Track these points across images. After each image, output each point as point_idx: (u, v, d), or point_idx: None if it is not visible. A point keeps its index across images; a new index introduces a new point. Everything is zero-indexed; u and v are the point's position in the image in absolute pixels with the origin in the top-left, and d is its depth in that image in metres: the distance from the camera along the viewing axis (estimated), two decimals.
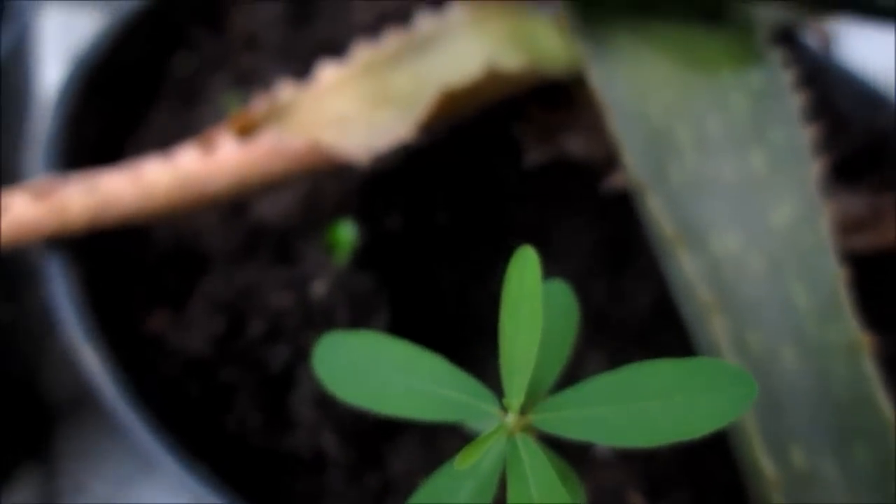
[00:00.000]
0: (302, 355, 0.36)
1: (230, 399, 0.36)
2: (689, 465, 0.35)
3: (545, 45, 0.39)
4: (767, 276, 0.31)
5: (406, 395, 0.22)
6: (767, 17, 0.41)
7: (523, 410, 0.21)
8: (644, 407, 0.20)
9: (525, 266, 0.21)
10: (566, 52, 0.39)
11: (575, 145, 0.41)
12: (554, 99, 0.42)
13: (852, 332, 0.30)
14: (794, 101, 0.35)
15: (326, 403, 0.34)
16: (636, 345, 0.39)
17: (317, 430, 0.35)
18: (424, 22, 0.41)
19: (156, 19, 0.46)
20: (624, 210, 0.36)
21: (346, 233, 0.38)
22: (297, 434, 0.35)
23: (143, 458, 0.32)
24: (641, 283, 0.40)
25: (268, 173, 0.36)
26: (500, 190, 0.42)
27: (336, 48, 0.45)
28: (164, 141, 0.43)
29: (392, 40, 0.39)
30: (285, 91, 0.39)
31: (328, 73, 0.39)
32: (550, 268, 0.42)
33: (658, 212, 0.31)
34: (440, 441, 0.34)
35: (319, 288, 0.37)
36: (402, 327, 0.38)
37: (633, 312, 0.40)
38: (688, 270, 0.31)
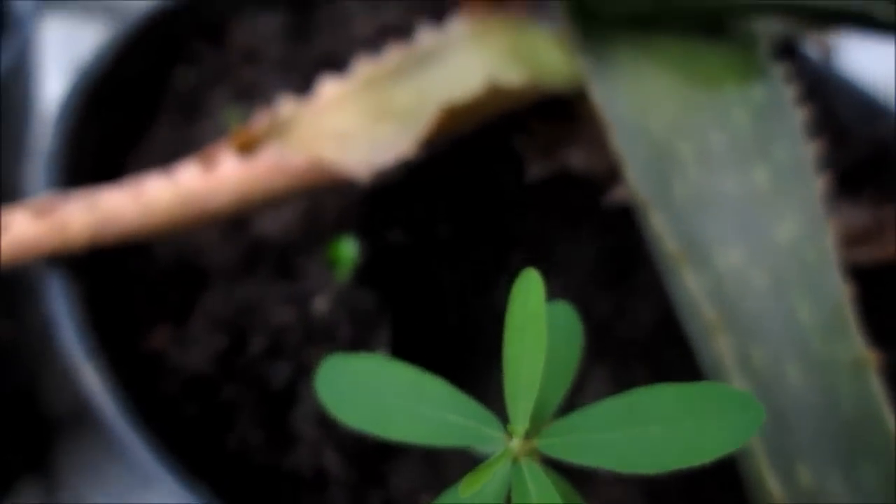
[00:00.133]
0: (303, 372, 0.36)
1: (231, 417, 0.35)
2: (692, 483, 0.35)
3: (546, 59, 0.39)
4: (771, 292, 0.31)
5: (409, 419, 0.22)
6: (768, 29, 0.41)
7: (528, 435, 0.21)
8: (650, 432, 0.20)
9: (529, 289, 0.21)
10: (567, 67, 0.39)
11: (577, 159, 0.41)
12: (555, 112, 0.42)
13: (857, 349, 0.30)
14: (797, 116, 0.35)
15: (328, 422, 0.34)
16: (639, 359, 0.39)
17: (318, 449, 0.34)
18: (425, 36, 0.41)
19: (156, 33, 0.46)
20: (626, 223, 0.36)
21: (348, 249, 0.38)
22: (299, 452, 0.35)
23: (144, 478, 0.32)
24: (644, 296, 0.40)
25: (269, 190, 0.36)
26: (502, 203, 0.42)
27: (336, 61, 0.45)
28: (166, 155, 0.42)
29: (393, 55, 0.39)
30: (286, 106, 0.39)
31: (329, 88, 0.39)
32: (553, 281, 0.42)
33: (661, 229, 0.31)
34: (443, 460, 0.34)
35: (321, 304, 0.37)
36: (404, 343, 0.38)
37: (636, 326, 0.40)
38: (691, 287, 0.31)
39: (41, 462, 0.50)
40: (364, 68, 0.39)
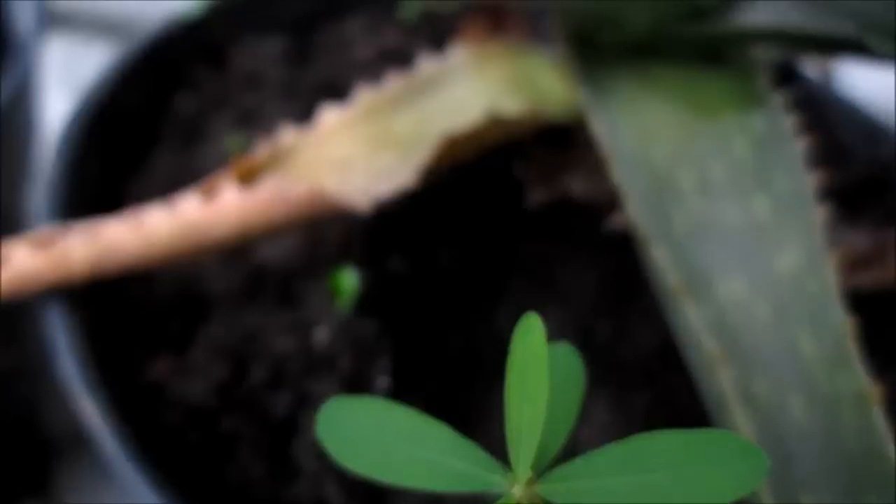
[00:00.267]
0: (304, 402, 0.36)
1: (232, 448, 0.35)
2: None
3: (546, 87, 0.39)
4: (773, 324, 0.31)
5: (411, 464, 0.21)
6: (767, 54, 0.41)
7: (530, 480, 0.21)
8: (653, 479, 0.20)
9: (530, 333, 0.21)
10: (567, 95, 0.39)
11: (577, 185, 0.41)
12: (556, 139, 0.42)
13: (860, 382, 0.30)
14: (798, 146, 0.35)
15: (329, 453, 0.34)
16: (641, 385, 0.39)
17: (319, 481, 0.34)
18: (425, 64, 0.41)
19: (157, 59, 0.46)
20: (627, 248, 0.36)
21: (348, 279, 0.38)
22: (300, 484, 0.34)
23: None
24: (646, 322, 0.40)
25: (270, 220, 0.36)
26: (503, 230, 0.42)
27: (337, 86, 0.45)
28: (167, 181, 0.42)
29: (393, 83, 0.39)
30: (287, 135, 0.39)
31: (329, 117, 0.39)
32: (555, 307, 0.42)
33: (661, 263, 0.31)
34: (445, 496, 0.34)
35: (322, 334, 0.37)
36: (405, 372, 0.38)
37: (638, 351, 0.40)
38: (692, 320, 0.31)
39: (41, 484, 0.50)
40: (364, 96, 0.39)
